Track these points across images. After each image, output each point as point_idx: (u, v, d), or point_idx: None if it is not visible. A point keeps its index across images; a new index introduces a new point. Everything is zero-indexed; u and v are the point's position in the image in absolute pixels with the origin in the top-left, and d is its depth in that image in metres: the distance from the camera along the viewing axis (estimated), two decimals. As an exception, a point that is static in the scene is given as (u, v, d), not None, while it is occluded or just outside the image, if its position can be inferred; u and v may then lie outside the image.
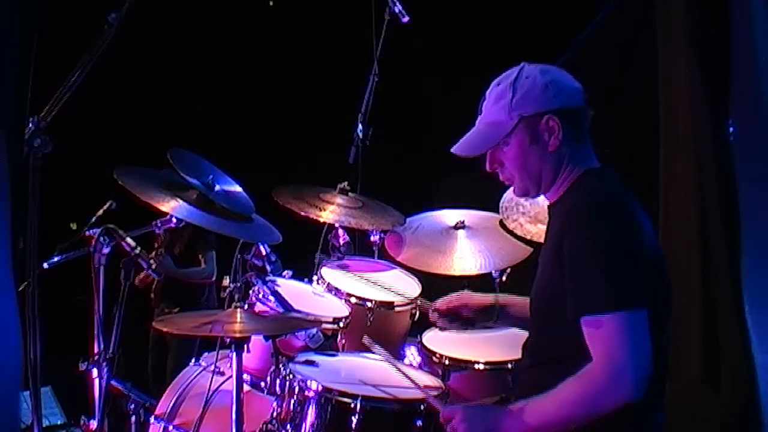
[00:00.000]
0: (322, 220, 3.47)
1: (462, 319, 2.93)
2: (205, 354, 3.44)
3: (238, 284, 3.00)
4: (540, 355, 2.47)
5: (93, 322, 2.97)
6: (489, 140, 2.48)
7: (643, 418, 2.36)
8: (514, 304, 2.90)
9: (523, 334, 2.64)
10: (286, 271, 3.37)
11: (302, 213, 3.43)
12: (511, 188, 3.53)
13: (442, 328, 3.15)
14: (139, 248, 3.04)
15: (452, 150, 2.54)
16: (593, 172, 2.46)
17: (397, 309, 3.35)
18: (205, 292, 5.56)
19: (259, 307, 3.15)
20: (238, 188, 3.23)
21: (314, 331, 3.08)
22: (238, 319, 2.76)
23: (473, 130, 2.54)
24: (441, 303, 2.97)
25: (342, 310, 3.25)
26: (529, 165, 2.46)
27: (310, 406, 2.72)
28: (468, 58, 5.83)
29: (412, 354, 3.33)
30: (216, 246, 5.47)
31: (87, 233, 3.24)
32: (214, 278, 5.50)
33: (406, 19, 4.06)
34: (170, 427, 3.18)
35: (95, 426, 2.98)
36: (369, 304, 3.29)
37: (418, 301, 3.33)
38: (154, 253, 5.23)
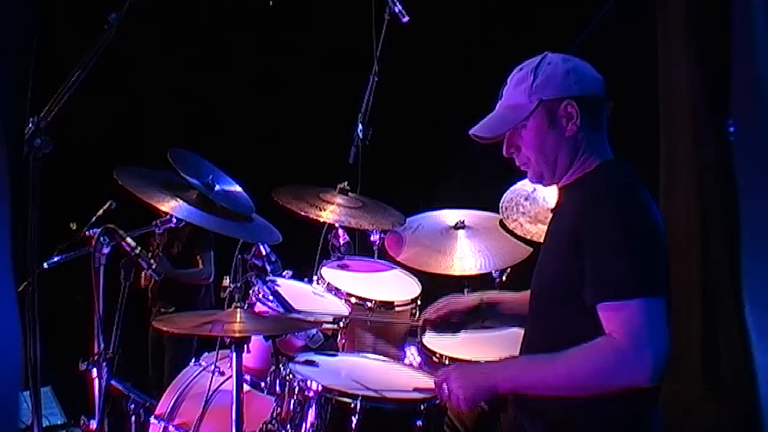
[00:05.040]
0: (322, 220, 3.47)
1: (453, 326, 2.95)
2: (205, 354, 3.44)
3: (238, 284, 3.00)
4: (539, 347, 2.46)
5: (93, 322, 2.97)
6: (507, 122, 2.49)
7: (650, 405, 2.37)
8: (501, 301, 2.93)
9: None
10: (286, 271, 3.37)
11: (302, 213, 3.43)
12: (512, 188, 3.57)
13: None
14: (139, 248, 3.04)
15: (471, 132, 2.54)
16: (610, 163, 2.48)
17: (397, 309, 3.35)
18: (201, 292, 5.55)
19: (259, 307, 3.15)
20: (238, 188, 3.22)
21: (314, 331, 3.08)
22: (238, 319, 2.76)
23: (492, 113, 2.55)
24: (429, 314, 2.99)
25: (342, 310, 3.25)
26: (545, 149, 2.46)
27: (310, 406, 2.71)
28: (468, 58, 5.83)
29: (412, 354, 3.33)
30: (214, 246, 5.47)
31: (87, 233, 3.25)
32: (212, 279, 5.49)
33: (406, 19, 4.05)
34: (170, 427, 3.18)
35: (95, 426, 2.97)
36: (369, 304, 3.30)
37: (411, 321, 3.32)
38: (150, 254, 5.23)
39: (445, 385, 2.41)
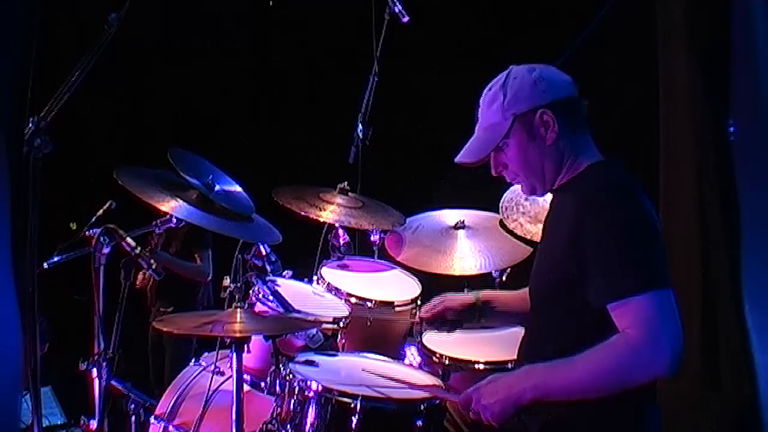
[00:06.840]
0: (322, 220, 3.47)
1: (449, 323, 2.95)
2: (205, 354, 3.44)
3: (238, 284, 3.00)
4: (541, 347, 2.47)
5: (93, 322, 2.97)
6: (488, 144, 2.52)
7: (646, 402, 2.39)
8: (496, 298, 2.95)
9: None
10: (286, 271, 3.37)
11: (302, 213, 3.43)
12: (512, 188, 3.58)
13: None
14: (139, 248, 3.04)
15: (456, 159, 2.59)
16: (599, 164, 2.50)
17: (397, 309, 3.35)
18: (200, 291, 5.54)
19: (259, 307, 3.15)
20: (238, 188, 3.23)
21: (314, 331, 3.08)
22: (238, 319, 2.76)
23: (473, 138, 2.59)
24: (425, 311, 3.01)
25: (342, 310, 3.25)
26: (530, 162, 2.50)
27: (310, 406, 2.72)
28: (468, 58, 5.83)
29: (412, 354, 3.33)
30: (212, 245, 5.46)
31: (87, 233, 3.25)
32: (210, 277, 5.48)
33: (406, 19, 4.06)
34: (170, 427, 3.18)
35: (95, 426, 2.97)
36: (369, 304, 3.30)
37: (410, 315, 3.33)
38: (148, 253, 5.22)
39: (472, 407, 2.40)
